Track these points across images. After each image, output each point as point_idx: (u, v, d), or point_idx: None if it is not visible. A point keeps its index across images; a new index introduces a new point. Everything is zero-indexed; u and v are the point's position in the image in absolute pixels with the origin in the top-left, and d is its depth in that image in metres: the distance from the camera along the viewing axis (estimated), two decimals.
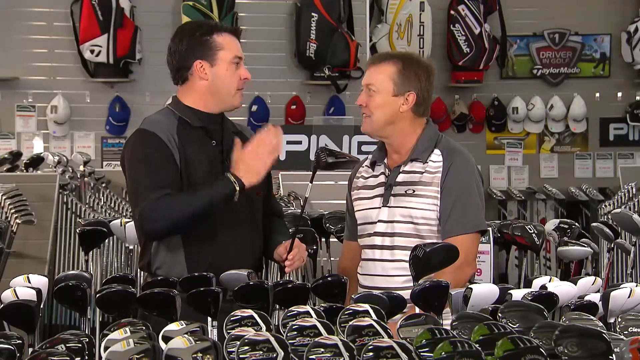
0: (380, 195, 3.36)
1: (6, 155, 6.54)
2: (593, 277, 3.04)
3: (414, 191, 3.30)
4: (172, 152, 3.21)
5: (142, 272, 3.44)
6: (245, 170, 3.17)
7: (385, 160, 3.43)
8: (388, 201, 3.33)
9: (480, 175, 3.40)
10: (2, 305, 2.54)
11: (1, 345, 2.08)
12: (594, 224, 5.13)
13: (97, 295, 2.66)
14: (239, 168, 3.18)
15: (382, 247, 3.33)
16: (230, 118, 3.45)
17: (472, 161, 3.39)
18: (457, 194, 3.27)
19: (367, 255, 3.41)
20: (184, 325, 2.28)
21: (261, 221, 3.41)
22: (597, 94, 8.75)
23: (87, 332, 2.55)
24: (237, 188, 3.14)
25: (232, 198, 3.15)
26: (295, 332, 2.20)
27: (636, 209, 5.82)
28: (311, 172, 3.32)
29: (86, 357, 2.18)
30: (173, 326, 2.28)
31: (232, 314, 2.36)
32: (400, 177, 3.34)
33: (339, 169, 3.47)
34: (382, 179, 3.40)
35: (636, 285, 2.64)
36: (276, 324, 2.54)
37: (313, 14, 7.85)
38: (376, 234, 3.34)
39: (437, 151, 3.34)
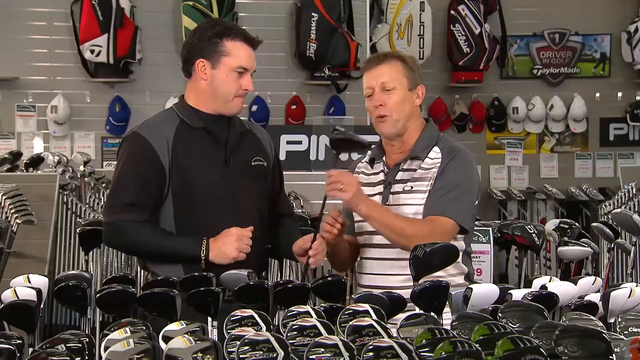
0: (380, 193, 3.36)
1: (6, 155, 6.54)
2: (593, 277, 3.03)
3: (411, 188, 3.30)
4: (159, 162, 3.22)
5: (142, 272, 3.45)
6: (219, 247, 3.20)
7: (384, 158, 3.42)
8: (387, 199, 3.33)
9: (478, 177, 3.38)
10: (2, 305, 2.54)
11: (1, 345, 2.08)
12: (594, 224, 5.12)
13: (97, 295, 2.66)
14: (217, 241, 3.21)
15: (380, 246, 3.32)
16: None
17: (472, 161, 3.38)
18: (446, 184, 3.25)
19: (365, 254, 3.40)
20: (184, 325, 2.28)
21: (267, 219, 3.41)
22: (597, 94, 8.75)
23: (87, 332, 2.55)
24: (203, 256, 3.18)
25: (197, 261, 3.18)
26: (295, 332, 2.20)
27: (636, 209, 5.82)
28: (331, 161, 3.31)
29: (86, 357, 2.17)
30: (173, 326, 2.28)
31: (232, 314, 2.36)
32: (399, 175, 3.34)
33: (352, 151, 3.43)
34: (381, 176, 3.40)
35: (636, 285, 2.64)
36: (276, 324, 2.53)
37: (313, 14, 7.85)
38: (375, 232, 3.33)
39: (436, 149, 3.34)
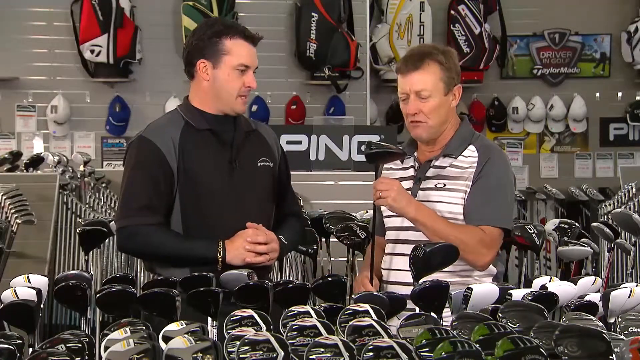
0: (408, 188, 3.30)
1: (6, 155, 6.54)
2: (593, 277, 3.03)
3: (444, 185, 3.25)
4: (167, 164, 3.22)
5: (142, 272, 3.44)
6: (237, 248, 3.19)
7: (415, 154, 3.39)
8: (416, 195, 3.27)
9: (514, 177, 3.36)
10: (2, 305, 2.54)
11: (1, 345, 2.08)
12: (594, 224, 5.12)
13: (97, 295, 2.66)
14: (234, 242, 3.20)
15: (406, 242, 3.26)
16: None
17: (508, 161, 3.36)
18: (489, 188, 3.22)
19: (390, 250, 3.36)
20: (184, 325, 2.28)
21: (272, 219, 3.40)
22: (597, 94, 8.75)
23: (87, 332, 2.55)
24: (220, 258, 3.17)
25: (214, 262, 3.16)
26: (295, 332, 2.20)
27: (636, 209, 5.82)
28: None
29: (86, 357, 2.18)
30: (173, 326, 2.28)
31: (232, 314, 2.36)
32: (431, 172, 3.30)
33: (389, 161, 3.41)
34: (411, 172, 3.36)
35: (636, 285, 2.64)
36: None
37: (313, 14, 7.85)
38: (402, 228, 3.29)
39: (472, 147, 3.29)
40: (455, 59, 3.38)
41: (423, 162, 3.35)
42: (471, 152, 3.29)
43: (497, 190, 3.24)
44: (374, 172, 3.34)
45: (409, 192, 3.28)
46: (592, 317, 2.44)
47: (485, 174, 3.23)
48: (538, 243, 3.97)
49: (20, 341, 2.20)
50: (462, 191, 3.24)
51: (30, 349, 2.30)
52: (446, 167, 3.28)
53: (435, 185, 3.27)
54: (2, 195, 5.19)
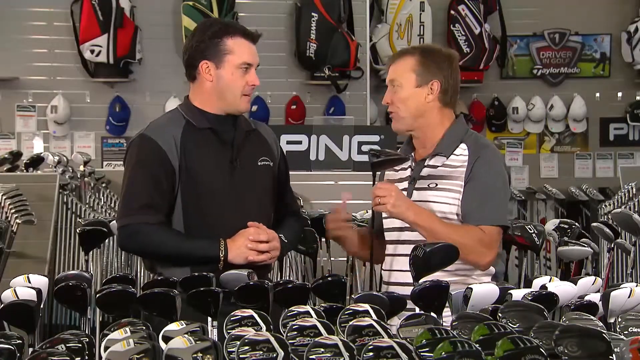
0: (404, 189, 3.32)
1: (6, 155, 6.54)
2: (593, 277, 3.03)
3: (436, 185, 3.27)
4: (169, 163, 3.21)
5: (142, 272, 3.45)
6: (238, 247, 3.20)
7: (413, 154, 3.40)
8: (411, 195, 3.29)
9: (508, 172, 3.36)
10: (2, 305, 2.54)
11: (1, 345, 2.08)
12: (594, 224, 5.12)
13: (97, 295, 2.66)
14: (236, 241, 3.20)
15: (408, 242, 3.26)
16: None
17: (500, 157, 3.37)
18: (483, 187, 3.23)
19: (390, 251, 3.38)
20: (184, 325, 2.28)
21: (272, 220, 3.40)
22: (597, 94, 8.75)
23: (87, 332, 2.55)
24: (222, 257, 3.17)
25: (216, 261, 3.17)
26: (295, 332, 2.20)
27: (636, 209, 5.82)
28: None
29: (86, 357, 2.17)
30: (173, 326, 2.28)
31: (232, 314, 2.36)
32: (425, 171, 3.32)
33: (393, 166, 3.44)
34: (408, 172, 3.38)
35: (636, 285, 2.64)
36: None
37: (313, 14, 7.85)
38: (404, 228, 3.30)
39: (463, 145, 3.30)
40: (439, 58, 3.36)
41: (417, 161, 3.37)
42: (462, 150, 3.30)
43: (491, 189, 3.26)
44: (373, 172, 3.35)
45: (405, 192, 3.31)
46: (592, 317, 2.44)
47: (478, 172, 3.24)
48: (538, 243, 3.97)
49: (20, 341, 2.19)
50: (455, 191, 3.25)
51: (30, 349, 2.30)
52: (438, 166, 3.30)
53: (428, 185, 3.29)
54: (2, 195, 5.19)
